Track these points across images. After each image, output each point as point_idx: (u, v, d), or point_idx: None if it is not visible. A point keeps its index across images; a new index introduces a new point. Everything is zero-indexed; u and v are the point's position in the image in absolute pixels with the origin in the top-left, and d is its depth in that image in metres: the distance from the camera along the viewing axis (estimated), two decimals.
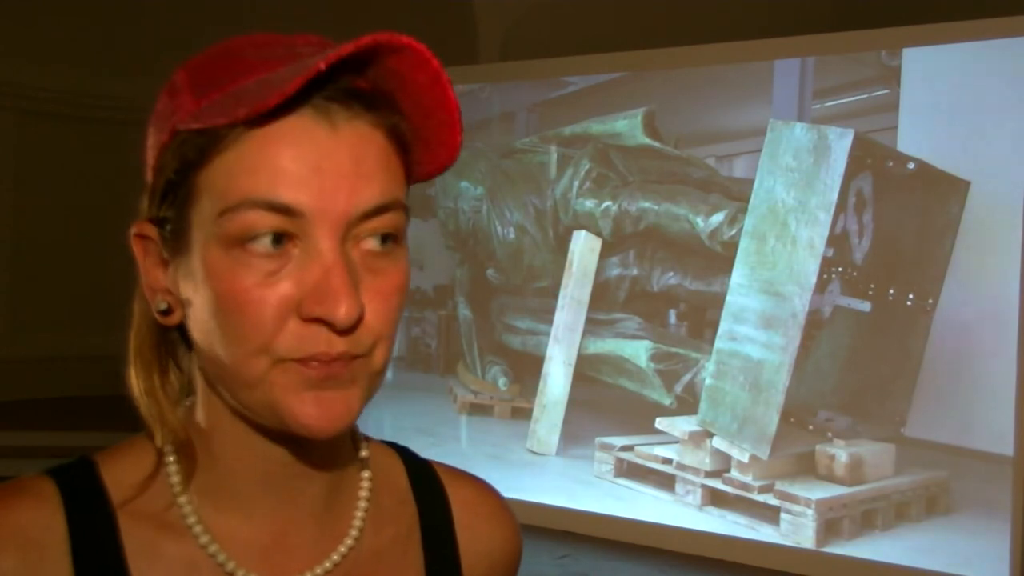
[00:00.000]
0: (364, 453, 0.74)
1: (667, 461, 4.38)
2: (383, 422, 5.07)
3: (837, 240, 3.99)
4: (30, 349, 6.92)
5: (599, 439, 4.61)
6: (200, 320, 0.63)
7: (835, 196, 3.95)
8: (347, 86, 0.62)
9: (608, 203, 4.67)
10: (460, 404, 5.11)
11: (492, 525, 0.80)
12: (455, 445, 4.97)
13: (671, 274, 4.53)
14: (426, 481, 0.79)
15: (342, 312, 0.59)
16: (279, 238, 0.60)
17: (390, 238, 0.63)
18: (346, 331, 0.60)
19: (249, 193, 0.60)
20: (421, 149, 0.66)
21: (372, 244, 0.62)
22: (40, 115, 7.18)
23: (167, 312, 0.66)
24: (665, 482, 4.39)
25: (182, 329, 0.67)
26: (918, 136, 3.95)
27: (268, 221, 0.60)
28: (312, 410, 0.61)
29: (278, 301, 0.60)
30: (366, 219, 0.62)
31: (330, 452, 0.70)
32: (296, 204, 0.60)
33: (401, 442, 0.82)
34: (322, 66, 0.57)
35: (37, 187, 6.98)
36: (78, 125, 7.04)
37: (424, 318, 5.32)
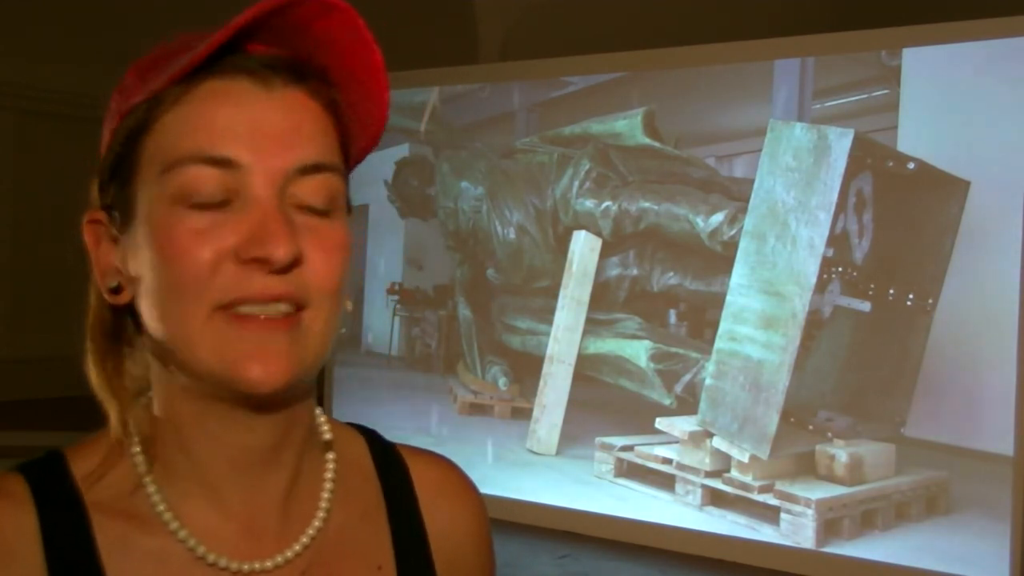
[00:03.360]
0: (327, 436, 0.75)
1: (667, 461, 4.38)
2: (384, 422, 5.06)
3: (837, 240, 3.99)
4: (30, 349, 6.92)
5: (599, 439, 4.61)
6: (144, 286, 0.64)
7: (835, 196, 3.95)
8: (284, 57, 0.65)
9: (608, 203, 4.67)
10: (460, 404, 5.11)
11: (456, 502, 0.80)
12: (455, 445, 4.96)
13: (671, 274, 4.53)
14: (389, 461, 0.79)
15: (280, 251, 0.61)
16: (218, 193, 0.62)
17: (327, 202, 0.65)
18: (282, 271, 0.62)
19: (189, 149, 0.62)
20: (357, 126, 0.69)
21: (310, 205, 0.64)
22: (40, 115, 7.19)
23: (117, 291, 0.67)
24: (665, 482, 4.39)
25: (135, 317, 0.69)
26: (918, 136, 3.94)
27: (208, 175, 0.62)
28: (253, 364, 0.62)
29: (215, 247, 0.61)
30: (303, 175, 0.64)
31: (292, 435, 0.70)
32: (235, 156, 0.62)
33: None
34: (247, 16, 0.60)
35: (37, 187, 6.98)
36: (78, 125, 7.03)
37: (424, 318, 5.32)
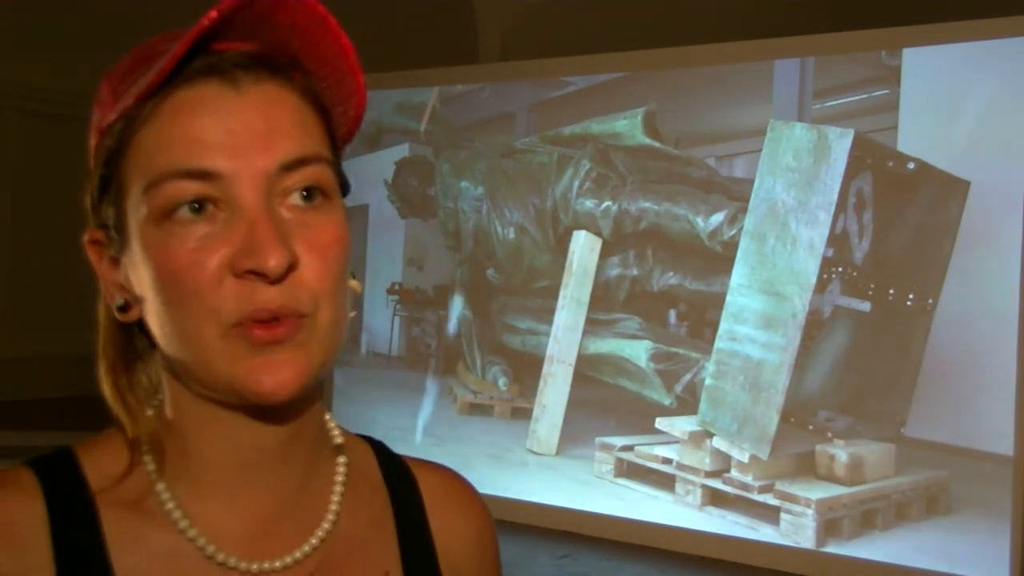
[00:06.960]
0: (339, 440, 0.75)
1: (667, 461, 4.38)
2: (384, 422, 5.06)
3: (837, 240, 3.99)
4: (30, 349, 6.92)
5: (599, 439, 4.61)
6: (149, 306, 0.64)
7: (835, 196, 3.95)
8: (251, 52, 0.64)
9: (608, 203, 4.67)
10: (460, 404, 5.11)
11: (462, 511, 0.81)
12: (455, 445, 4.97)
13: (671, 274, 4.53)
14: (396, 470, 0.80)
15: (271, 261, 0.60)
16: (202, 204, 0.61)
17: (316, 192, 0.64)
18: (278, 281, 0.61)
19: (167, 165, 0.61)
20: (339, 109, 0.68)
21: (297, 199, 0.63)
22: (40, 115, 7.19)
23: (125, 308, 0.67)
24: (665, 482, 4.39)
25: (145, 332, 0.68)
26: (918, 136, 3.94)
27: (189, 188, 0.61)
28: (264, 376, 0.62)
29: (212, 263, 0.61)
30: (286, 173, 0.63)
31: (303, 436, 0.70)
32: (213, 167, 0.61)
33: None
34: (205, 22, 0.59)
35: (37, 187, 6.98)
36: (78, 125, 7.03)
37: (424, 318, 5.32)
